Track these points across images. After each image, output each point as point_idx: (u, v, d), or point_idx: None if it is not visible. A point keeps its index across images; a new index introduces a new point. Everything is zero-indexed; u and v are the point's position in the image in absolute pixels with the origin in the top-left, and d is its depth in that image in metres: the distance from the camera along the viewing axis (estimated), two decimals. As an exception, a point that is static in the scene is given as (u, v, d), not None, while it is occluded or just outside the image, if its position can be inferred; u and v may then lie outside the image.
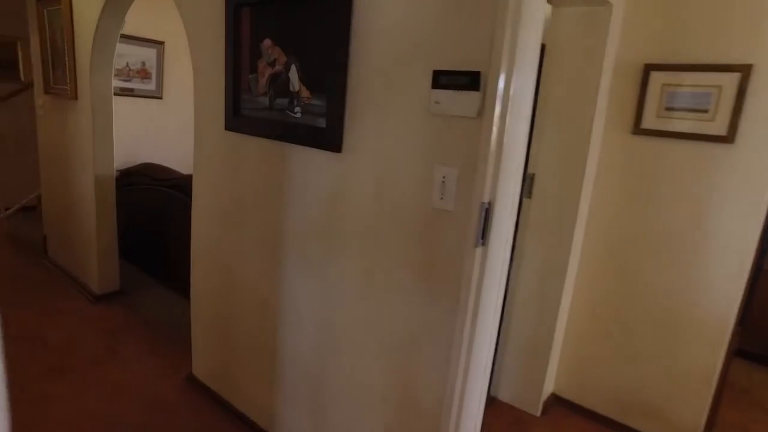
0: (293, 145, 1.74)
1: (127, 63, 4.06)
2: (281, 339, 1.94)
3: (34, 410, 2.24)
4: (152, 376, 2.56)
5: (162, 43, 4.24)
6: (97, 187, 3.20)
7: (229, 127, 1.97)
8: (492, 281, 1.36)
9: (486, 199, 1.27)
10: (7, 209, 4.94)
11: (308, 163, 1.70)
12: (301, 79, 1.66)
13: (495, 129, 1.22)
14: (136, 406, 2.32)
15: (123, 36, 3.99)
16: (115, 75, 4.01)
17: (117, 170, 4.12)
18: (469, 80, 1.23)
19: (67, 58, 3.14)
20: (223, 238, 2.13)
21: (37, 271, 3.85)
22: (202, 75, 2.09)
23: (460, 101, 1.25)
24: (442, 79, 1.28)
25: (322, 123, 1.61)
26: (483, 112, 1.23)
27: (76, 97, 3.17)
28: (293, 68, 1.68)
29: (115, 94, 4.02)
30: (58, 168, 3.64)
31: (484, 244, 1.30)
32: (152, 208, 3.75)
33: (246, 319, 2.10)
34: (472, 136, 1.26)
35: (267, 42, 1.76)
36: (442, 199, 1.33)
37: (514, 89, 1.23)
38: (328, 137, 1.59)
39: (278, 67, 1.73)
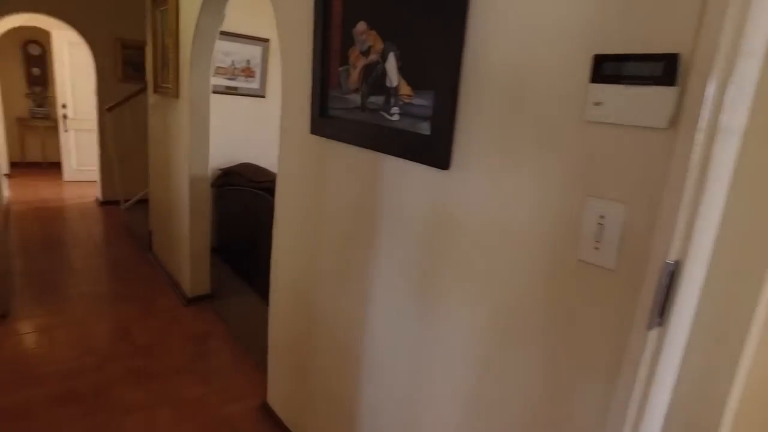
0: (388, 156, 1.38)
1: (233, 61, 4.02)
2: (361, 387, 1.60)
3: (107, 417, 2.14)
4: (227, 397, 2.37)
5: (267, 40, 4.15)
6: (191, 188, 3.12)
7: (314, 130, 1.67)
8: (667, 370, 0.88)
9: (673, 257, 0.80)
10: (126, 201, 5.23)
11: (406, 180, 1.33)
12: (401, 71, 1.29)
13: (698, 149, 0.76)
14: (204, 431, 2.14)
15: (229, 34, 3.94)
16: (220, 73, 3.97)
17: (218, 169, 4.11)
18: (660, 68, 0.77)
19: (171, 56, 3.10)
20: (304, 263, 1.84)
21: (143, 264, 3.93)
22: (289, 70, 1.82)
23: (639, 102, 0.80)
24: (609, 68, 0.84)
25: (425, 129, 1.24)
26: (679, 119, 0.77)
27: (177, 96, 3.12)
28: (391, 57, 1.32)
29: (219, 93, 4.00)
30: (162, 166, 3.67)
31: (661, 324, 0.83)
32: (246, 209, 3.65)
33: (324, 356, 1.79)
34: (657, 156, 0.80)
35: (361, 25, 1.42)
36: (596, 249, 0.89)
37: (736, 87, 0.75)
38: (433, 149, 1.21)
39: (373, 56, 1.39)
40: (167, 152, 3.48)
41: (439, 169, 1.21)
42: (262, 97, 4.27)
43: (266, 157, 4.29)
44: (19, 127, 7.45)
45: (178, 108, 3.15)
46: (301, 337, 1.94)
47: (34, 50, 7.45)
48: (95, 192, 5.98)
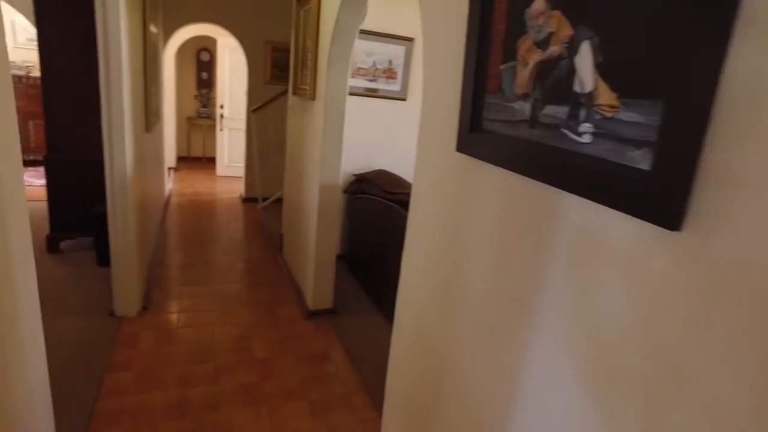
0: (568, 194, 0.95)
1: (374, 62, 3.81)
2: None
3: (212, 449, 2.00)
4: (337, 440, 2.11)
5: (410, 40, 3.87)
6: (321, 194, 2.95)
7: (461, 147, 1.29)
8: None
9: None
10: (264, 200, 5.37)
11: (597, 236, 0.88)
12: (600, 69, 0.85)
13: None
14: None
15: (371, 33, 3.73)
16: (361, 74, 3.78)
17: (352, 175, 3.94)
18: None
19: (309, 56, 2.95)
20: (437, 306, 1.47)
21: (272, 267, 3.92)
22: (432, 69, 1.46)
23: None
24: None
25: (639, 160, 0.78)
26: None
27: (313, 97, 2.97)
28: (585, 48, 0.88)
29: (358, 95, 3.81)
30: (295, 169, 3.58)
31: None
32: (377, 221, 3.40)
33: (450, 417, 1.40)
34: None
35: (538, 4, 1.00)
36: None
37: None
38: (654, 193, 0.75)
39: (555, 48, 0.96)
40: (301, 155, 3.38)
41: (662, 228, 0.75)
42: (403, 100, 4.01)
43: (404, 165, 4.02)
44: (187, 126, 8.24)
45: (314, 110, 3.00)
46: (424, 388, 1.57)
47: (205, 56, 8.17)
48: (240, 188, 6.29)
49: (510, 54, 1.09)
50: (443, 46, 1.38)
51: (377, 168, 3.95)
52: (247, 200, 5.86)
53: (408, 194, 3.15)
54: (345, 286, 3.53)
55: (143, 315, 2.93)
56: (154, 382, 2.34)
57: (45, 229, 3.73)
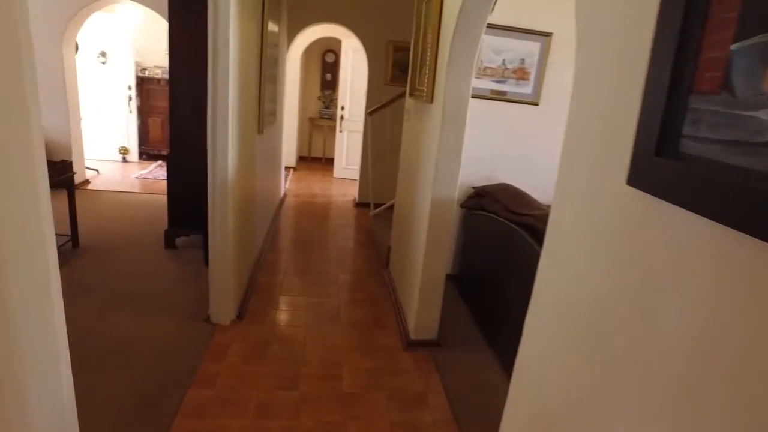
0: None
1: (503, 60, 3.33)
2: None
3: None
4: None
5: (548, 34, 3.32)
6: (433, 208, 2.57)
7: (638, 178, 0.82)
8: None
9: None
10: (375, 207, 5.14)
11: None
12: None
13: None
14: None
15: (501, 27, 3.26)
16: (488, 74, 3.33)
17: (471, 187, 3.50)
18: None
19: (429, 54, 2.59)
20: (587, 375, 1.01)
21: (376, 282, 3.64)
22: (588, 63, 1.00)
23: None
24: None
25: None
26: None
27: (431, 100, 2.60)
28: None
29: (482, 97, 3.37)
30: (408, 179, 3.25)
31: None
32: (497, 244, 2.93)
33: None
34: None
35: None
36: None
37: None
38: None
39: None
40: (415, 164, 3.04)
41: None
42: (535, 104, 3.47)
43: (532, 180, 3.50)
44: (309, 126, 8.40)
45: (431, 114, 2.63)
46: None
47: (330, 58, 8.25)
48: (355, 192, 6.16)
49: (756, 21, 0.61)
50: (612, 20, 0.92)
51: (500, 181, 3.46)
52: (360, 205, 5.69)
53: (533, 216, 2.65)
54: (452, 311, 3.12)
55: (237, 325, 2.80)
56: (234, 406, 2.15)
57: (164, 224, 3.84)
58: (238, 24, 2.53)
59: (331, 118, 8.19)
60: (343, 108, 6.88)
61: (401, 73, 5.35)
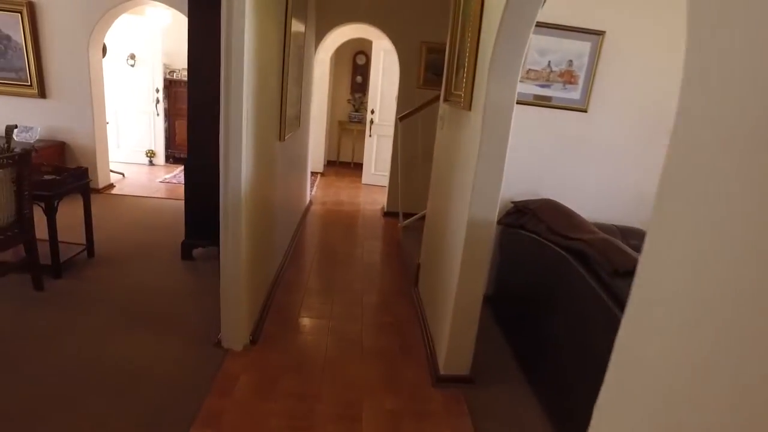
0: None
1: (549, 62, 3.00)
2: None
3: None
4: None
5: (600, 33, 2.97)
6: (469, 231, 2.26)
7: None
8: None
9: None
10: (404, 218, 4.85)
11: None
12: None
13: None
14: None
15: (547, 26, 2.93)
16: (531, 78, 3.01)
17: (511, 202, 3.18)
18: None
19: (467, 56, 2.29)
20: None
21: (403, 302, 3.35)
22: (713, 52, 0.68)
23: None
24: None
25: None
26: None
27: (469, 107, 2.30)
28: None
29: (527, 103, 3.04)
30: (441, 191, 2.95)
31: None
32: (540, 269, 2.60)
33: None
34: None
35: None
36: None
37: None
38: None
39: None
40: (449, 176, 2.74)
41: None
42: (583, 111, 3.13)
43: (579, 195, 3.15)
44: (339, 130, 8.18)
45: (469, 123, 2.34)
46: None
47: (360, 60, 8.02)
48: (384, 200, 5.89)
49: None
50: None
51: (543, 197, 3.13)
52: (389, 215, 5.41)
53: (584, 241, 2.29)
54: (486, 338, 2.80)
55: (249, 350, 2.56)
56: (240, 452, 1.90)
57: (182, 235, 3.65)
58: (255, 23, 2.29)
59: (361, 122, 7.95)
60: (372, 112, 6.62)
61: (434, 76, 5.06)
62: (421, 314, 3.10)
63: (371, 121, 6.65)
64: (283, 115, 3.13)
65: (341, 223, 5.06)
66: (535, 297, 2.61)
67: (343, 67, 8.05)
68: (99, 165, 5.30)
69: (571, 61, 3.04)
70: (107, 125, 5.56)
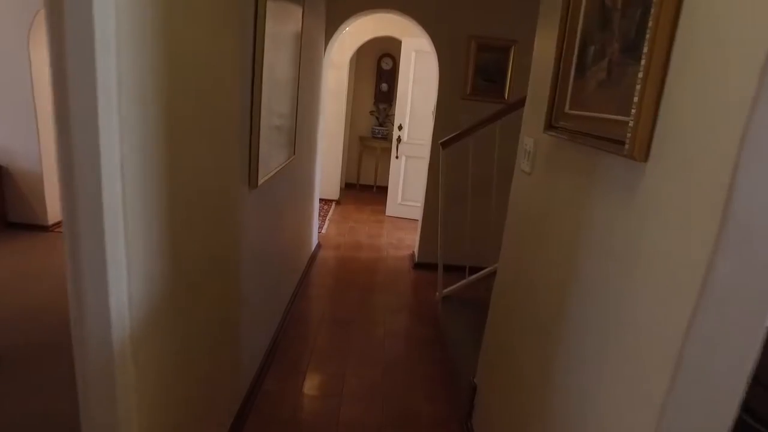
0: None
1: None
2: None
3: None
4: None
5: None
6: None
7: None
8: None
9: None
10: (447, 273, 3.44)
11: None
12: None
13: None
14: None
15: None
16: None
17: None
18: None
19: (644, 57, 0.92)
20: None
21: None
22: None
23: None
24: None
25: None
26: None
27: (644, 155, 0.95)
28: None
29: None
30: (525, 278, 1.61)
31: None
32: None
33: None
34: None
35: None
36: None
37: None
38: None
39: None
40: (554, 268, 1.41)
41: None
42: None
43: None
44: (359, 147, 6.90)
45: (639, 187, 0.99)
46: None
47: (386, 64, 6.74)
48: (414, 241, 4.55)
49: None
50: None
51: None
52: (421, 267, 4.07)
53: None
54: None
55: None
56: None
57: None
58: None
59: (386, 137, 6.66)
60: (400, 128, 5.31)
61: (487, 83, 3.72)
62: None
63: (398, 139, 5.34)
64: (255, 149, 1.85)
65: (355, 283, 3.73)
66: None
67: (365, 72, 6.78)
68: (48, 194, 4.12)
69: None
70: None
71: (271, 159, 2.15)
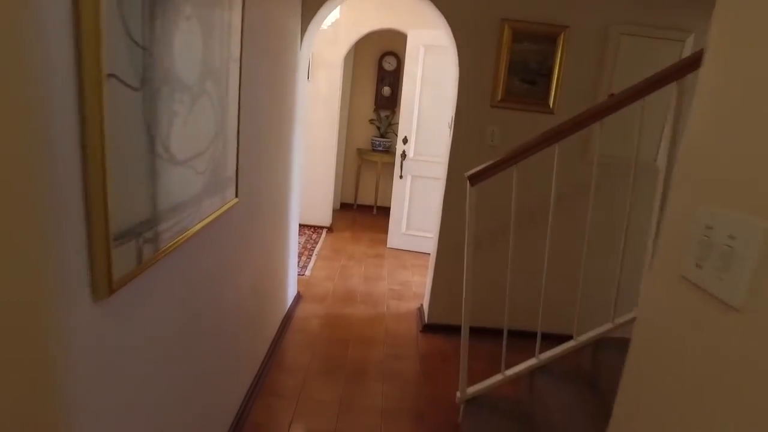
0: None
1: None
2: None
3: None
4: None
5: None
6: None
7: None
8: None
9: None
10: (477, 347, 2.38)
11: None
12: None
13: None
14: None
15: None
16: None
17: None
18: None
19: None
20: None
21: None
22: None
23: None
24: None
25: None
26: None
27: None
28: None
29: None
30: None
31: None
32: None
33: None
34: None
35: None
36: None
37: None
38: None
39: None
40: None
41: None
42: None
43: None
44: (357, 161, 5.90)
45: None
46: None
47: (389, 64, 5.74)
48: (424, 288, 3.53)
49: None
50: None
51: None
52: (432, 329, 3.05)
53: None
54: None
55: None
56: None
57: None
58: None
59: (389, 150, 5.66)
60: (405, 141, 4.30)
61: (526, 84, 2.70)
62: None
63: (403, 155, 4.32)
64: (110, 230, 0.83)
65: (344, 364, 2.68)
66: None
67: (363, 73, 5.79)
68: None
69: None
70: None
71: (168, 217, 1.14)
